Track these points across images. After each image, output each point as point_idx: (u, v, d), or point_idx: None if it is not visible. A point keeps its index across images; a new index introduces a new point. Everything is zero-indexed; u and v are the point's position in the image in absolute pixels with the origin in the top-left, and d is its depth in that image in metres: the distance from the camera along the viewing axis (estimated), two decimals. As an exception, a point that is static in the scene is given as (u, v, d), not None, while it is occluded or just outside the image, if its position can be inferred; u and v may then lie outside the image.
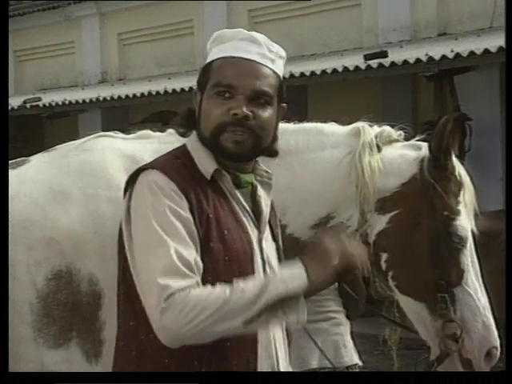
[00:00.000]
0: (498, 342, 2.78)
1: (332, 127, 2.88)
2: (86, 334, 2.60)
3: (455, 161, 2.83)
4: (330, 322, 3.36)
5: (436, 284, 2.77)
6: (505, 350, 2.76)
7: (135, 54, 14.25)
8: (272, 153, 2.23)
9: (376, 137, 2.83)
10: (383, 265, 2.80)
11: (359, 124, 2.85)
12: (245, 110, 2.07)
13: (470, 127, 9.30)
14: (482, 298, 2.80)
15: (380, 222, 2.79)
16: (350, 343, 3.48)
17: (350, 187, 2.79)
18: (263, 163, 2.27)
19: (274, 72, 2.16)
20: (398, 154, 2.84)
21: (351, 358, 3.46)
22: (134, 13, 13.94)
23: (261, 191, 2.23)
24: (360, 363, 3.47)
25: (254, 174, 2.22)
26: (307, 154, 2.81)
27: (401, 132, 2.90)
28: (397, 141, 2.87)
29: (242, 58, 2.12)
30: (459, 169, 2.84)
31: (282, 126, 2.85)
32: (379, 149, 2.81)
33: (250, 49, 2.14)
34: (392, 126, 2.89)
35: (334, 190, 2.80)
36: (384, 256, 2.79)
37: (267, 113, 2.12)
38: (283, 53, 2.24)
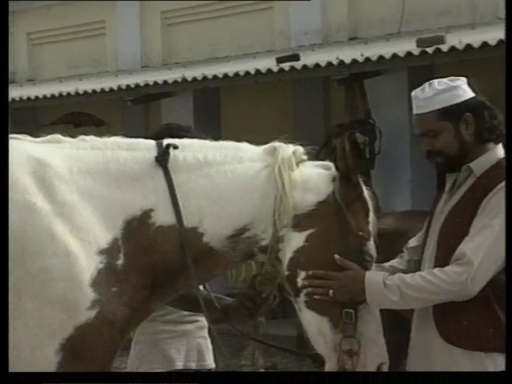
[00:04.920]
0: (387, 359, 2.92)
1: (247, 145, 2.97)
2: None
3: (361, 182, 2.93)
4: (195, 325, 3.43)
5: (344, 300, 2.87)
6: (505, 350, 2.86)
7: (46, 55, 14.00)
8: None
9: (293, 153, 2.91)
10: (299, 282, 2.86)
11: (275, 143, 2.93)
12: None
13: (380, 130, 9.47)
14: (378, 316, 2.93)
15: (297, 239, 2.85)
16: (210, 346, 3.55)
17: (267, 200, 2.84)
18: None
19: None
20: (315, 172, 2.93)
21: (211, 361, 3.55)
22: (44, 12, 13.69)
23: None
24: (214, 366, 3.56)
25: None
26: (226, 165, 2.87)
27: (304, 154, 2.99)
28: (305, 160, 2.96)
29: None
30: (365, 191, 2.95)
31: (199, 142, 2.91)
32: (297, 165, 2.90)
33: None
34: (302, 146, 2.98)
35: (251, 201, 2.84)
36: (302, 274, 2.85)
37: None
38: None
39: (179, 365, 3.44)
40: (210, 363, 3.54)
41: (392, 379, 2.87)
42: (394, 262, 3.09)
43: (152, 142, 2.90)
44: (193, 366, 3.47)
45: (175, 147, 2.85)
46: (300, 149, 2.94)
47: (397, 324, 4.58)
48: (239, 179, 2.85)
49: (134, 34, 12.81)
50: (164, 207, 2.79)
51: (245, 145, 2.95)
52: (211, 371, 3.53)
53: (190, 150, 2.88)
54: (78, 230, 2.71)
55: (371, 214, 2.93)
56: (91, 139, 2.89)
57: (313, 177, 2.90)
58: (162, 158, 2.83)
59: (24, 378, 2.57)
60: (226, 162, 2.87)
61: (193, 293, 3.16)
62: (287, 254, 2.85)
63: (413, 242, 3.14)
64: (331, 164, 2.95)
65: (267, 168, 2.86)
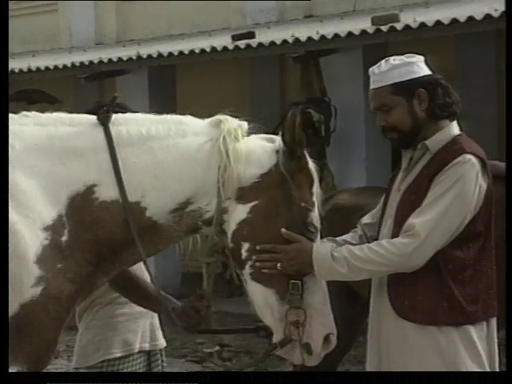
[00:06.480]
0: (335, 329, 2.93)
1: (192, 119, 2.95)
2: None
3: (306, 154, 2.93)
4: None
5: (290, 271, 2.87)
6: (505, 349, 2.92)
7: (-3, 31, 13.76)
8: None
9: (239, 126, 2.91)
10: (244, 254, 2.87)
11: (220, 116, 2.92)
12: None
13: (335, 108, 9.49)
14: (325, 287, 2.94)
15: (241, 211, 2.86)
16: (159, 324, 3.55)
17: (210, 172, 2.84)
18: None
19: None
20: (258, 144, 2.92)
21: (162, 340, 3.55)
22: (-5, -13, 13.44)
23: None
24: (164, 345, 3.56)
25: None
26: (169, 140, 2.86)
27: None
28: (249, 134, 2.94)
29: None
30: (310, 162, 2.94)
31: (144, 116, 2.90)
32: (242, 137, 2.89)
33: None
34: (255, 122, 2.97)
35: (194, 174, 2.84)
36: (246, 245, 2.86)
37: None
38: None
39: (136, 347, 3.44)
40: (162, 342, 3.54)
41: (392, 379, 2.90)
42: (347, 237, 3.11)
43: (94, 117, 2.87)
44: (147, 347, 3.47)
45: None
46: (245, 123, 2.93)
47: (351, 298, 4.62)
48: (182, 153, 2.83)
49: (88, 10, 12.64)
50: (107, 182, 2.77)
51: (189, 118, 2.93)
52: (211, 371, 3.52)
53: (133, 124, 2.86)
54: (22, 206, 2.68)
55: (315, 186, 2.94)
56: (34, 115, 2.86)
57: (256, 149, 2.90)
58: (104, 116, 2.82)
59: (24, 378, 2.57)
60: (169, 136, 2.85)
61: (140, 286, 3.18)
62: (231, 226, 2.86)
63: (367, 219, 3.16)
64: (275, 137, 2.94)
65: (211, 141, 2.85)
